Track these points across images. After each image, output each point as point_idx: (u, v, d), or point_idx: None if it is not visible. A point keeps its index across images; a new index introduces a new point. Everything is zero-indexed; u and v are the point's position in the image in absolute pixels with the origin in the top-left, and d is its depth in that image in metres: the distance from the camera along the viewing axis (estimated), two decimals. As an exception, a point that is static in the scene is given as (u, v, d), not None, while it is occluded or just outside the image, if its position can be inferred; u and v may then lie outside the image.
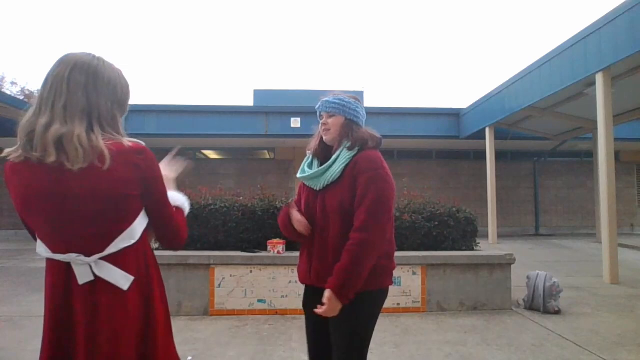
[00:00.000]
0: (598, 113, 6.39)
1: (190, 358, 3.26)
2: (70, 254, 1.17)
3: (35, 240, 1.24)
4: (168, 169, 1.48)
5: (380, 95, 63.55)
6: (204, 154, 14.56)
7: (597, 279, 6.34)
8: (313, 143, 1.92)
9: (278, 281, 4.52)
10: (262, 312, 4.47)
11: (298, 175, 1.87)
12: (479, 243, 5.31)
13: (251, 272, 4.51)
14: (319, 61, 77.52)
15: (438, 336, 3.84)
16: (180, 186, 1.56)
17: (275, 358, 3.33)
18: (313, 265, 1.78)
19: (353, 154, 1.75)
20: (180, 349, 1.39)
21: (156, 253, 1.41)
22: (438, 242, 5.02)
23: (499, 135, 11.21)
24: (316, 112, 1.90)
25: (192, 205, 2.03)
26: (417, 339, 3.75)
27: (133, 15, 68.25)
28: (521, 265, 6.45)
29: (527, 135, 12.13)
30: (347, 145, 1.78)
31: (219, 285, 4.49)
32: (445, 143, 13.46)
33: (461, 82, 65.26)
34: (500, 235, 11.64)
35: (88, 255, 1.17)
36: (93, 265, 1.17)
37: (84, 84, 1.19)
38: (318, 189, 1.79)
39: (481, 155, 12.22)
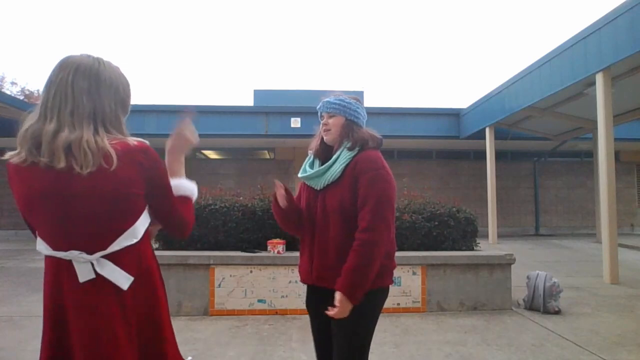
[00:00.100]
0: (598, 113, 6.39)
1: (190, 358, 3.26)
2: (72, 252, 1.17)
3: (36, 237, 1.25)
4: (187, 136, 1.45)
5: (380, 95, 63.59)
6: (204, 154, 14.56)
7: (597, 279, 6.34)
8: (314, 143, 1.93)
9: (278, 281, 4.52)
10: (262, 312, 4.47)
11: (299, 175, 1.88)
12: (479, 243, 5.31)
13: (251, 272, 4.51)
14: (319, 61, 77.60)
15: (438, 336, 3.84)
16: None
17: (275, 358, 3.33)
18: (314, 265, 1.79)
19: (353, 154, 1.77)
20: (180, 349, 1.39)
21: (156, 253, 1.41)
22: (438, 242, 5.02)
23: (499, 135, 11.21)
24: (316, 112, 1.92)
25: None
26: (417, 339, 3.75)
27: (133, 15, 68.32)
28: (521, 265, 6.45)
29: (527, 135, 12.13)
30: (348, 146, 1.79)
31: (219, 285, 4.49)
32: (445, 143, 13.47)
33: (461, 82, 65.32)
34: (500, 235, 11.64)
35: (90, 253, 1.17)
36: (95, 263, 1.18)
37: (87, 89, 1.21)
38: (318, 189, 1.81)
39: (481, 155, 12.22)
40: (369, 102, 20.60)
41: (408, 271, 4.61)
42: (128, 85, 1.33)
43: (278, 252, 4.57)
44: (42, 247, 1.21)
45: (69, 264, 1.18)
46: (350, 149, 1.78)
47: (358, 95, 1.97)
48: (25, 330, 3.85)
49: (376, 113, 11.43)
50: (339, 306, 1.62)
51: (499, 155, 11.90)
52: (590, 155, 12.75)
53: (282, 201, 1.83)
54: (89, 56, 1.26)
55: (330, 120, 1.84)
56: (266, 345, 3.59)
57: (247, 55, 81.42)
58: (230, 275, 4.50)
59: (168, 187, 1.32)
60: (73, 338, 1.18)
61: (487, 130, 10.86)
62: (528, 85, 8.72)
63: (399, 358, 3.34)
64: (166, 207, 1.32)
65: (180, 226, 1.36)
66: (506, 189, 14.14)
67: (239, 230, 4.84)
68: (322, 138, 1.89)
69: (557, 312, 4.51)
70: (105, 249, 1.18)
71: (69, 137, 1.14)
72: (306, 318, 4.38)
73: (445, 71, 69.25)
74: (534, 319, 4.33)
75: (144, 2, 70.16)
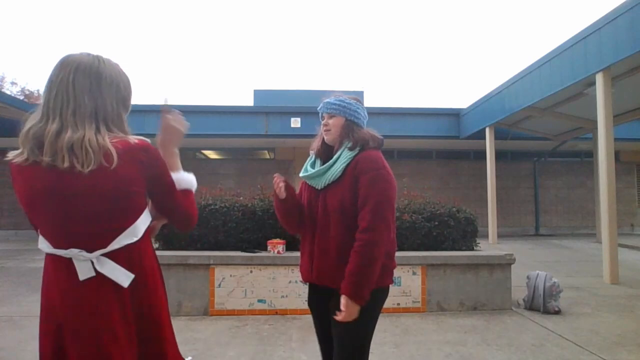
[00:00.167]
0: (598, 113, 6.39)
1: (190, 358, 3.26)
2: (72, 250, 1.17)
3: (39, 235, 1.25)
4: (177, 127, 1.43)
5: (380, 95, 63.62)
6: (204, 154, 14.56)
7: (597, 279, 6.34)
8: (315, 143, 1.95)
9: (278, 281, 4.52)
10: (262, 312, 4.47)
11: (300, 175, 1.89)
12: (479, 243, 5.32)
13: (251, 272, 4.51)
14: (319, 61, 77.59)
15: (438, 336, 3.84)
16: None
17: (275, 358, 3.33)
18: (314, 264, 1.80)
19: (354, 154, 1.78)
20: (180, 349, 1.39)
21: (156, 253, 1.41)
22: (438, 242, 5.02)
23: (499, 135, 11.21)
24: (316, 112, 1.93)
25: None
26: (417, 339, 3.75)
27: (133, 15, 68.32)
28: (521, 265, 6.45)
29: (527, 135, 12.13)
30: (349, 146, 1.80)
31: (219, 285, 4.49)
32: (445, 143, 13.47)
33: (461, 82, 65.31)
34: (500, 235, 11.64)
35: (90, 251, 1.18)
36: (95, 261, 1.18)
37: (88, 87, 1.21)
38: (319, 188, 1.82)
39: (481, 155, 12.22)
40: (369, 102, 20.60)
41: (408, 271, 4.61)
42: (128, 82, 1.33)
43: (278, 252, 4.57)
44: (44, 245, 1.22)
45: (69, 262, 1.18)
46: (351, 149, 1.79)
47: (358, 95, 1.98)
48: (25, 330, 3.85)
49: (376, 113, 11.42)
50: (345, 310, 1.63)
51: (499, 155, 11.90)
52: (590, 155, 12.75)
53: (280, 193, 1.82)
54: (88, 54, 1.26)
55: (331, 121, 1.85)
56: (266, 345, 3.59)
57: (247, 55, 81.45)
58: (230, 275, 4.50)
59: (171, 183, 1.32)
60: (72, 337, 1.18)
61: (487, 130, 10.86)
62: (528, 85, 8.72)
63: (399, 358, 3.34)
64: (170, 203, 1.33)
65: (185, 220, 1.38)
66: (506, 189, 14.15)
67: (239, 230, 4.84)
68: (324, 138, 1.90)
69: (557, 312, 4.51)
70: (105, 247, 1.19)
71: (72, 137, 1.15)
72: (306, 318, 4.38)
73: (445, 71, 69.28)
74: (534, 319, 4.33)
75: (144, 2, 70.19)
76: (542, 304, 4.55)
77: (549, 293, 4.55)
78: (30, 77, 44.16)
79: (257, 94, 14.93)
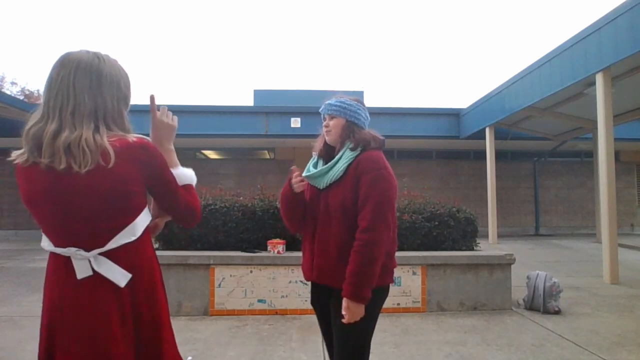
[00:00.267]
0: (598, 113, 6.39)
1: (190, 358, 3.26)
2: (70, 248, 1.18)
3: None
4: (167, 123, 1.44)
5: (380, 95, 63.65)
6: (204, 154, 14.56)
7: (597, 279, 6.34)
8: (318, 144, 1.97)
9: (278, 281, 4.52)
10: (262, 312, 4.47)
11: (303, 174, 1.90)
12: (479, 243, 5.31)
13: (251, 272, 4.51)
14: (319, 61, 77.59)
15: (438, 336, 3.84)
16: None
17: (275, 358, 3.33)
18: (315, 262, 1.81)
19: (356, 154, 1.79)
20: (180, 349, 1.39)
21: (156, 253, 1.41)
22: (438, 242, 5.02)
23: (499, 135, 11.21)
24: (316, 113, 1.96)
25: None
26: (417, 339, 3.75)
27: (133, 15, 68.31)
28: (521, 265, 6.45)
29: (527, 135, 12.13)
30: (350, 146, 1.82)
31: (219, 285, 4.49)
32: (445, 143, 13.47)
33: (461, 82, 65.30)
34: (500, 235, 11.64)
35: (88, 250, 1.18)
36: (92, 260, 1.18)
37: (88, 86, 1.21)
38: (321, 188, 1.83)
39: (481, 155, 12.22)
40: (369, 102, 20.44)
41: (408, 271, 4.61)
42: (128, 78, 1.33)
43: (278, 252, 4.57)
44: (46, 244, 1.23)
45: (68, 261, 1.19)
46: (352, 149, 1.80)
47: (358, 96, 2.00)
48: (25, 330, 3.85)
49: (376, 113, 11.36)
50: (348, 312, 1.64)
51: (499, 155, 11.90)
52: (590, 155, 12.75)
53: (299, 186, 1.83)
54: (88, 52, 1.26)
55: (331, 122, 1.87)
56: (266, 345, 3.59)
57: (247, 55, 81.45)
58: (230, 275, 4.50)
59: (172, 179, 1.32)
60: (70, 336, 1.18)
61: (487, 130, 10.86)
62: (528, 85, 8.72)
63: (399, 358, 3.34)
64: (173, 199, 1.33)
65: (189, 215, 1.38)
66: (506, 189, 14.14)
67: (239, 230, 4.84)
68: (326, 139, 1.91)
69: (557, 312, 4.51)
70: (103, 246, 1.19)
71: (69, 137, 1.15)
72: (306, 318, 4.39)
73: (445, 71, 69.27)
74: (534, 319, 4.33)
75: (144, 2, 70.18)
76: (542, 304, 4.55)
77: (549, 293, 4.55)
78: (30, 77, 44.18)
79: (257, 94, 14.93)
